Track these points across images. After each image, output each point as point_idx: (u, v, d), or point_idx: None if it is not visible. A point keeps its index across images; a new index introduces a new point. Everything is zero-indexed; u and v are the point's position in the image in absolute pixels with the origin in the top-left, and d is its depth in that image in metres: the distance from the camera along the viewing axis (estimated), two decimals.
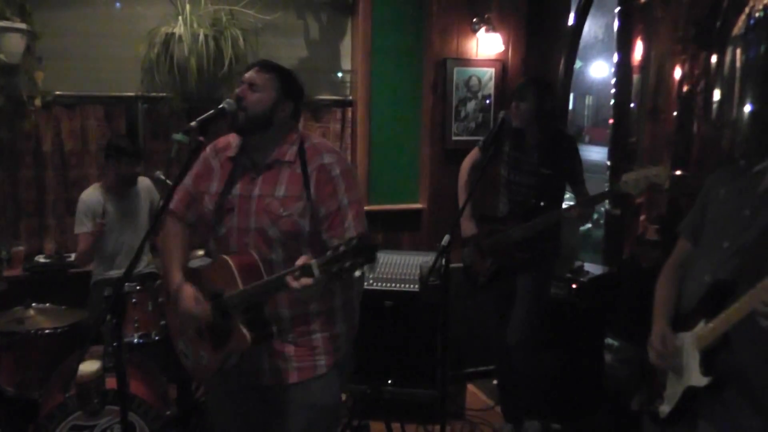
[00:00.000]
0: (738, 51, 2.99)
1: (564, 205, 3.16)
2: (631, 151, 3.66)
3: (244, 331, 1.81)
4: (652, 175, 2.52)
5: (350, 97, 4.32)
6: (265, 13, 3.83)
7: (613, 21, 3.96)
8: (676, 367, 1.82)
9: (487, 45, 4.22)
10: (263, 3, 3.85)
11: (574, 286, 3.51)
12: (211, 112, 1.88)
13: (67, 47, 3.69)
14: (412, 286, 3.36)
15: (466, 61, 4.24)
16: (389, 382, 3.29)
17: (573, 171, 3.08)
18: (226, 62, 3.68)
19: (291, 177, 1.94)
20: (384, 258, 3.59)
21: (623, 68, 3.72)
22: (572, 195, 3.18)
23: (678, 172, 3.31)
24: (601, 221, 4.10)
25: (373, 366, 3.26)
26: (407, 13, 4.24)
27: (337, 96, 4.31)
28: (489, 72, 4.29)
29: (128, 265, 1.83)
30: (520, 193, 3.13)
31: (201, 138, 1.85)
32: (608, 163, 3.91)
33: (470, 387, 3.86)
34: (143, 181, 3.51)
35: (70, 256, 3.71)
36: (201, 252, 2.64)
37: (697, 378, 1.74)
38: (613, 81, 3.89)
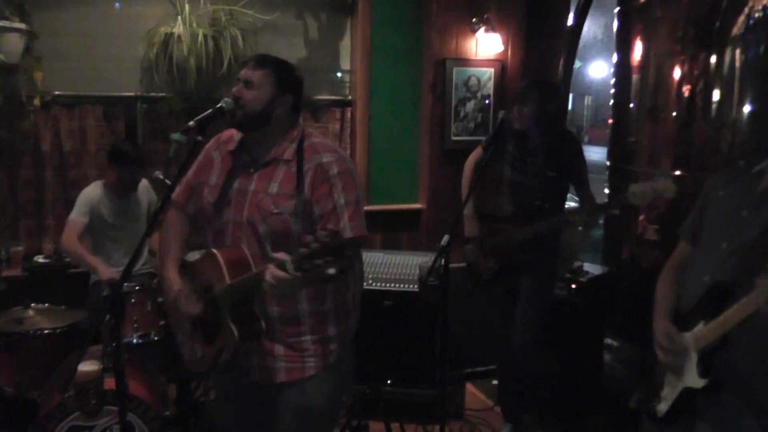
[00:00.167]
0: (737, 51, 2.99)
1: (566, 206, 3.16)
2: (630, 151, 3.66)
3: (232, 326, 1.81)
4: (660, 188, 2.51)
5: (349, 97, 4.32)
6: (264, 13, 3.83)
7: (613, 21, 3.96)
8: (679, 363, 1.81)
9: (486, 45, 4.22)
10: (262, 3, 3.85)
11: (573, 286, 3.51)
12: (209, 111, 1.88)
13: (66, 47, 3.68)
14: (411, 286, 3.37)
15: (465, 61, 4.24)
16: (388, 382, 3.29)
17: (578, 173, 3.04)
18: (225, 62, 3.69)
19: (286, 175, 1.93)
20: (383, 258, 3.59)
21: (622, 68, 3.72)
22: (576, 196, 3.16)
23: (677, 173, 3.31)
24: (601, 221, 4.10)
25: (373, 366, 3.25)
26: (406, 13, 4.24)
27: (337, 96, 4.31)
28: (488, 72, 4.29)
29: (126, 265, 1.83)
30: (523, 194, 3.10)
31: (199, 137, 1.84)
32: (607, 163, 3.91)
33: (469, 387, 3.86)
34: (142, 183, 3.52)
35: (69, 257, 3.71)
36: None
37: (694, 379, 1.74)
38: (613, 81, 3.90)
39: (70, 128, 3.74)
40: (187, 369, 2.14)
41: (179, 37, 3.63)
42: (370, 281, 3.36)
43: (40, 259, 3.69)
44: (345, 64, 4.33)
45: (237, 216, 1.95)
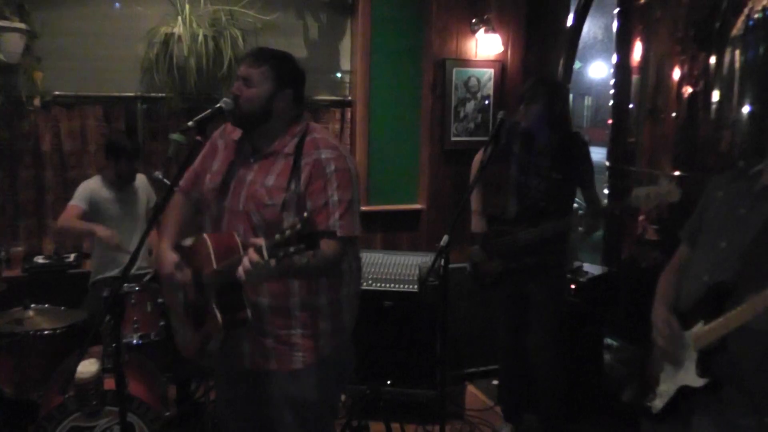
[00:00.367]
0: (737, 52, 2.99)
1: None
2: (630, 151, 3.67)
3: (217, 312, 1.80)
4: (664, 193, 2.51)
5: (349, 98, 4.32)
6: (265, 13, 3.84)
7: (613, 22, 3.96)
8: (678, 354, 1.81)
9: (486, 45, 4.22)
10: (262, 3, 3.86)
11: (573, 286, 3.51)
12: (209, 111, 1.89)
13: (66, 47, 3.69)
14: (411, 286, 3.36)
15: (465, 62, 4.24)
16: (388, 382, 3.29)
17: (584, 176, 3.02)
18: (226, 62, 3.69)
19: (284, 168, 1.94)
20: (383, 258, 3.59)
21: (622, 69, 3.72)
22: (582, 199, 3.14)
23: (676, 173, 3.31)
24: None
25: (373, 366, 3.25)
26: (406, 14, 4.24)
27: (337, 96, 4.31)
28: (488, 72, 4.29)
29: (125, 265, 1.83)
30: (529, 196, 3.07)
31: (198, 137, 1.85)
32: (607, 163, 3.91)
33: (470, 387, 3.85)
34: (141, 179, 3.52)
35: (69, 257, 3.71)
36: None
37: (692, 378, 1.74)
38: (612, 81, 3.90)
39: (70, 128, 3.74)
40: (179, 354, 2.14)
41: (179, 37, 3.63)
42: (370, 281, 3.36)
43: (40, 259, 3.69)
44: (345, 64, 4.33)
45: (234, 204, 1.97)
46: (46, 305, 3.05)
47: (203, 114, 1.86)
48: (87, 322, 2.98)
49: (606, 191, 3.93)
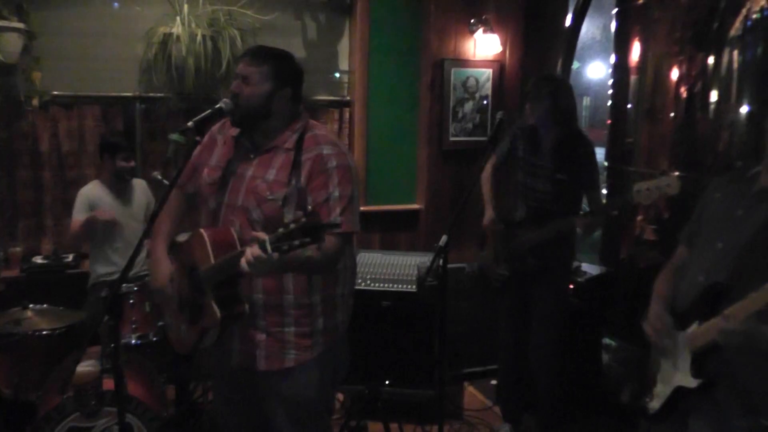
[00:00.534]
0: (735, 52, 2.99)
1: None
2: (628, 151, 3.67)
3: (215, 307, 1.81)
4: (665, 186, 2.50)
5: (348, 98, 4.32)
6: (263, 13, 3.84)
7: (611, 22, 3.96)
8: (667, 349, 1.82)
9: (484, 46, 4.22)
10: (261, 3, 3.85)
11: (571, 286, 3.51)
12: (208, 111, 1.89)
13: (64, 47, 3.68)
14: (409, 286, 3.36)
15: (463, 62, 4.24)
16: (387, 382, 3.28)
17: (589, 178, 3.00)
18: (224, 62, 3.69)
19: (284, 163, 1.94)
20: (381, 258, 3.59)
21: (620, 69, 3.72)
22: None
23: (675, 174, 3.31)
24: None
25: (371, 366, 3.25)
26: (405, 14, 4.24)
27: (335, 96, 4.31)
28: (486, 73, 4.29)
29: (125, 266, 1.83)
30: (535, 198, 3.06)
31: (198, 138, 1.85)
32: (605, 163, 3.91)
33: (468, 387, 3.86)
34: (140, 183, 3.52)
35: (67, 257, 3.71)
36: None
37: (687, 379, 1.74)
38: (611, 82, 3.89)
39: (69, 128, 3.74)
40: (178, 354, 2.15)
41: (178, 37, 3.63)
42: (368, 281, 3.36)
43: (38, 259, 3.69)
44: (343, 64, 4.33)
45: (232, 199, 1.96)
46: (45, 305, 3.05)
47: (202, 114, 1.87)
48: (85, 322, 2.98)
49: (605, 191, 3.93)
